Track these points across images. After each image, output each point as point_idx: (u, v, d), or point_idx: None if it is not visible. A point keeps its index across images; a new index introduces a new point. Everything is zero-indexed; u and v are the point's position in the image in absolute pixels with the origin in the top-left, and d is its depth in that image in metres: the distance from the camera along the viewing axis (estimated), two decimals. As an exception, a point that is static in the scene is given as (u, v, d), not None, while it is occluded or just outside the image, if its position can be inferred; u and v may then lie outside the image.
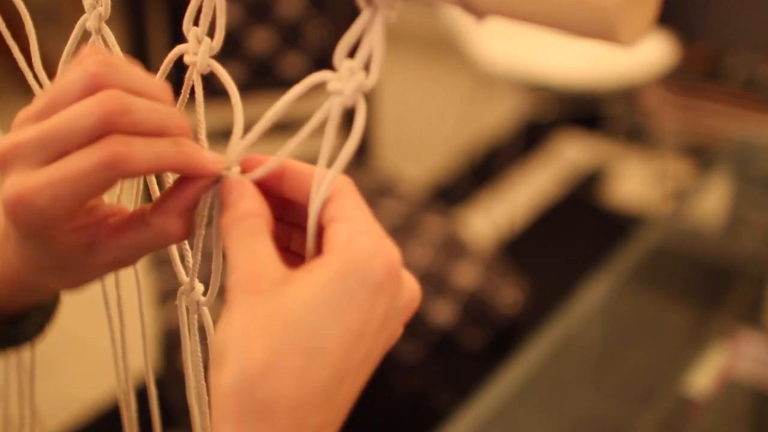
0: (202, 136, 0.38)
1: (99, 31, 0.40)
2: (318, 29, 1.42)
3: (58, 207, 0.33)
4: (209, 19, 0.35)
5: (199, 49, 0.36)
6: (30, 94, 0.39)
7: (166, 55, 0.41)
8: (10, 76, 2.60)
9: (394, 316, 0.33)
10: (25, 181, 0.33)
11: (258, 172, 0.35)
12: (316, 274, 0.31)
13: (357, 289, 0.31)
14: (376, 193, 1.39)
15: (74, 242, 0.35)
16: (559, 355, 1.12)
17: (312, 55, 1.43)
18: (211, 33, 0.36)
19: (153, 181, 0.40)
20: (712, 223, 1.58)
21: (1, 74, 2.56)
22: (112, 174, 0.33)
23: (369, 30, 0.30)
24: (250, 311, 0.31)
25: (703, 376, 1.25)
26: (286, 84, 1.46)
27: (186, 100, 0.39)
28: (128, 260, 0.37)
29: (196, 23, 0.36)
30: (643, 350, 1.34)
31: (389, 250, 0.32)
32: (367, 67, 0.31)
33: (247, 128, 0.37)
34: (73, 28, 0.40)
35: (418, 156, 2.45)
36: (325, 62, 1.44)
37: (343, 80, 0.32)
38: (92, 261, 0.36)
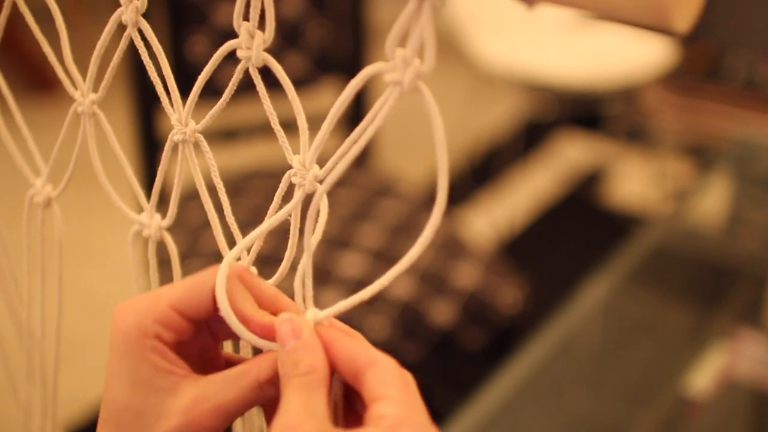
0: (277, 126, 0.38)
1: (136, 24, 0.40)
2: (318, 29, 1.42)
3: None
4: (258, 12, 0.35)
5: (252, 44, 0.36)
6: (31, 93, 0.39)
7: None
8: (10, 75, 2.59)
9: None
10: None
11: (329, 314, 0.36)
12: None
13: None
14: (376, 193, 1.39)
15: (164, 363, 0.36)
16: (559, 355, 1.12)
17: (312, 55, 1.42)
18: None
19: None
20: (712, 223, 1.58)
21: (3, 72, 2.56)
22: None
23: (417, 18, 0.31)
24: None
25: (703, 376, 1.25)
26: (286, 84, 1.46)
27: (231, 93, 0.38)
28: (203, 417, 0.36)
29: (245, 18, 0.36)
30: (643, 350, 1.34)
31: None
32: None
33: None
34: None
35: (418, 156, 2.45)
36: (325, 62, 1.44)
37: (399, 70, 0.32)
38: (171, 404, 0.35)
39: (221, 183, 0.41)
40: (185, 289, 0.36)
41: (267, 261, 0.44)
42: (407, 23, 0.31)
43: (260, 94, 0.38)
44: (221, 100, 0.39)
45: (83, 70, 0.43)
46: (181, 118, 0.40)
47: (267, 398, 0.36)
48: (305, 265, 0.36)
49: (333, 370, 0.35)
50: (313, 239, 0.37)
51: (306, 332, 0.35)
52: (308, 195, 0.37)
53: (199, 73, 0.39)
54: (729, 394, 1.24)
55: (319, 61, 1.43)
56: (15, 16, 0.45)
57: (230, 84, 0.38)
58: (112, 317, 0.36)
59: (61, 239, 0.47)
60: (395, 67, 0.32)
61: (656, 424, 1.21)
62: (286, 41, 1.38)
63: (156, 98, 0.41)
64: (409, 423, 0.33)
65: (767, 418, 1.25)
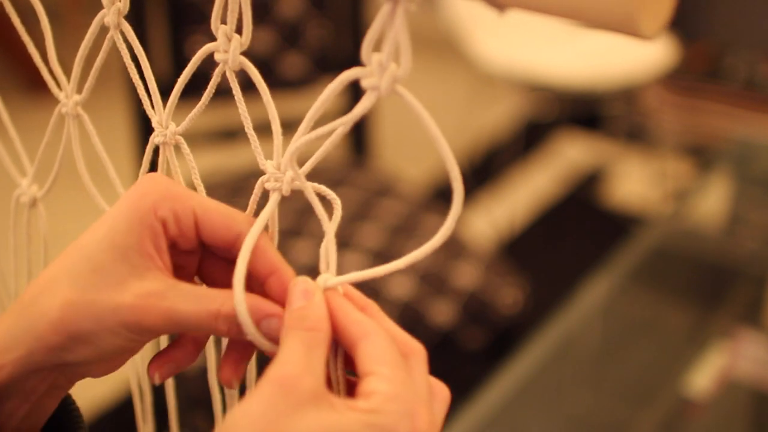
0: (250, 131, 0.38)
1: (118, 26, 0.40)
2: (318, 29, 1.42)
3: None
4: (236, 16, 0.35)
5: (229, 47, 0.36)
6: (31, 92, 0.39)
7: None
8: (10, 74, 2.60)
9: None
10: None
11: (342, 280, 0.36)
12: (341, 419, 0.31)
13: None
14: (376, 193, 1.39)
15: (153, 247, 0.36)
16: (559, 355, 1.12)
17: (312, 55, 1.42)
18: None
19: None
20: (712, 223, 1.58)
21: (2, 72, 2.56)
22: None
23: (391, 23, 0.31)
24: (270, 412, 0.31)
25: (703, 376, 1.25)
26: (286, 84, 1.47)
27: (210, 96, 0.39)
28: (147, 309, 0.35)
29: (223, 21, 0.36)
30: (643, 350, 1.34)
31: (417, 419, 0.33)
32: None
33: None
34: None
35: (418, 156, 2.45)
36: (325, 62, 1.44)
37: (376, 75, 0.32)
38: (131, 284, 0.35)
39: (202, 186, 0.41)
40: (217, 211, 0.37)
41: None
42: (381, 27, 0.31)
43: (236, 98, 0.38)
44: (200, 103, 0.39)
45: (82, 71, 0.43)
46: (161, 120, 0.40)
47: (215, 332, 0.36)
48: (328, 233, 0.37)
49: (334, 337, 0.35)
50: (335, 217, 0.37)
51: (317, 295, 0.35)
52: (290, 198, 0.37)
53: (200, 73, 0.39)
54: (729, 394, 1.24)
55: (319, 61, 1.43)
56: (19, 12, 0.45)
57: (209, 87, 0.38)
58: (145, 176, 0.38)
59: (46, 239, 0.47)
60: (372, 72, 0.32)
61: (656, 424, 1.21)
62: (286, 41, 1.38)
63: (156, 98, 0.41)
64: (397, 401, 0.32)
65: (767, 418, 1.25)
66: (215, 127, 1.39)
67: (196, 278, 0.40)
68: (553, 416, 1.19)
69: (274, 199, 0.37)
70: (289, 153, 0.36)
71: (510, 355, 1.09)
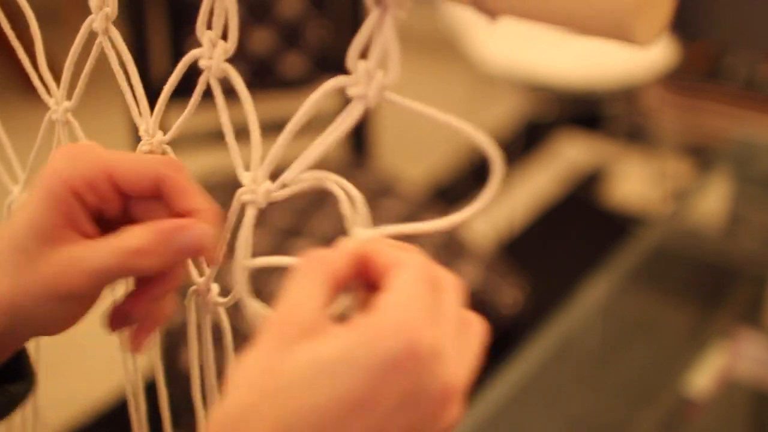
0: (230, 139, 0.38)
1: (106, 32, 0.39)
2: (318, 29, 1.42)
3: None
4: (222, 22, 0.35)
5: (213, 54, 0.36)
6: (30, 95, 0.39)
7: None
8: (10, 76, 2.60)
9: (416, 403, 0.31)
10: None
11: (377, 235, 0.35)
12: (333, 344, 0.30)
13: (366, 359, 0.30)
14: (376, 193, 1.39)
15: (91, 197, 0.37)
16: (559, 355, 1.12)
17: (312, 55, 1.42)
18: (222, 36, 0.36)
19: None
20: (712, 223, 1.58)
21: (1, 74, 2.56)
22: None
23: (379, 30, 0.30)
24: (265, 354, 0.31)
25: (703, 376, 1.25)
26: (286, 84, 1.47)
27: (196, 104, 0.38)
28: (118, 267, 0.37)
29: (209, 27, 0.36)
30: (643, 350, 1.34)
31: (420, 333, 0.30)
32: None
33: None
34: (72, 28, 0.40)
35: (418, 156, 2.45)
36: (325, 62, 1.44)
37: (362, 83, 0.31)
38: (52, 254, 0.36)
39: None
40: (130, 163, 0.37)
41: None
42: (370, 34, 0.30)
43: (218, 106, 0.38)
44: (185, 111, 0.39)
45: (77, 74, 0.43)
46: (148, 128, 0.40)
47: (139, 271, 0.37)
48: (358, 200, 0.36)
49: (377, 283, 0.34)
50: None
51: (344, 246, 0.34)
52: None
53: (199, 74, 0.39)
54: (729, 394, 1.24)
55: (319, 61, 1.43)
56: (12, 15, 0.45)
57: (194, 95, 0.37)
58: (55, 153, 0.37)
59: None
60: (358, 80, 0.31)
61: (656, 424, 1.21)
62: (286, 41, 1.38)
63: (154, 101, 0.41)
64: (392, 311, 0.31)
65: (767, 418, 1.25)
66: (215, 127, 1.39)
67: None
68: (553, 416, 1.19)
69: (250, 214, 0.36)
70: (266, 166, 0.35)
71: (510, 355, 1.09)
